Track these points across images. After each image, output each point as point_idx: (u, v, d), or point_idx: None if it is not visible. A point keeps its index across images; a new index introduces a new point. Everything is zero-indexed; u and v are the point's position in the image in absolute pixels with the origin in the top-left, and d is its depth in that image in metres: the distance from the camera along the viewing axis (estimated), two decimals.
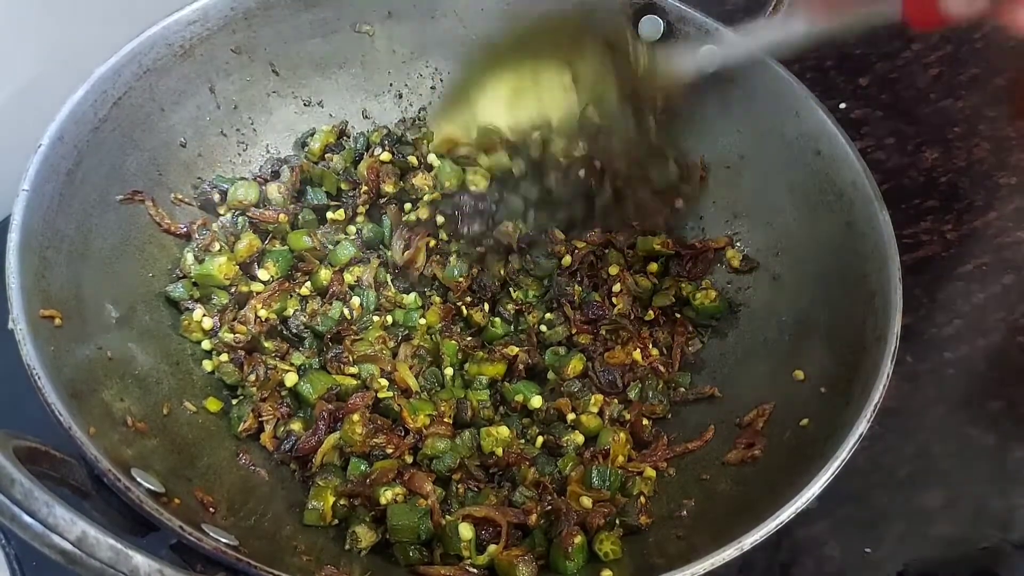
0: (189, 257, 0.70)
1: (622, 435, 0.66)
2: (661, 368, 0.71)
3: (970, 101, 0.97)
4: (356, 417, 0.63)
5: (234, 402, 0.66)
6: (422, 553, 0.59)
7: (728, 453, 0.64)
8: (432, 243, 0.75)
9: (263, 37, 0.74)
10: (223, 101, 0.74)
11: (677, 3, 0.74)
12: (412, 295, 0.75)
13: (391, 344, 0.70)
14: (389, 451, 0.63)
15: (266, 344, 0.68)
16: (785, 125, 0.71)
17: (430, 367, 0.70)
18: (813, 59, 0.99)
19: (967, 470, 0.74)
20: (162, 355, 0.65)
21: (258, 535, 0.56)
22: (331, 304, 0.71)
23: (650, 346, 0.73)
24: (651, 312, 0.74)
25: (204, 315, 0.68)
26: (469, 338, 0.73)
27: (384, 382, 0.67)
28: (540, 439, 0.67)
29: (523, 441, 0.67)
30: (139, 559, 0.40)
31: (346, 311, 0.71)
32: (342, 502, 0.60)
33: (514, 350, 0.70)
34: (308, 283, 0.72)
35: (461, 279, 0.74)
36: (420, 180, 0.77)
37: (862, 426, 0.56)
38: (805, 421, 0.62)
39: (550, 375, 0.70)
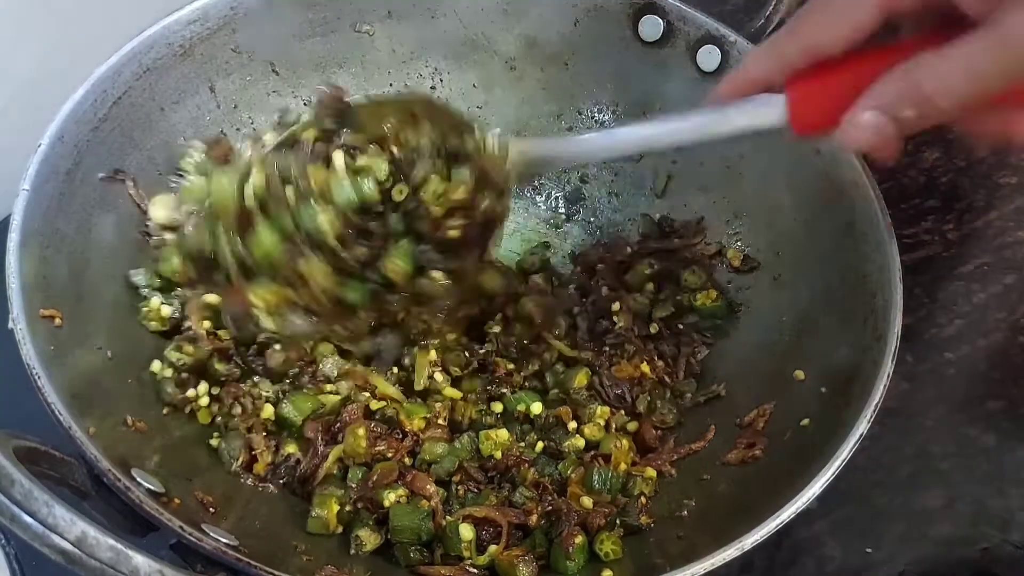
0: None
1: (624, 442, 0.66)
2: (667, 379, 0.71)
3: None
4: (361, 431, 0.62)
5: (216, 441, 0.63)
6: (423, 554, 0.59)
7: (728, 453, 0.64)
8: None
9: (263, 37, 0.74)
10: (223, 100, 0.74)
11: (677, 3, 0.74)
12: None
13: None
14: (389, 455, 0.63)
15: (217, 367, 0.64)
16: None
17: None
18: None
19: (967, 470, 0.74)
20: (160, 354, 0.65)
21: (258, 535, 0.56)
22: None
23: (655, 358, 0.72)
24: (654, 325, 0.74)
25: (162, 303, 0.65)
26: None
27: (366, 394, 0.66)
28: (540, 444, 0.66)
29: (522, 445, 0.67)
30: (139, 559, 0.40)
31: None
32: (347, 508, 0.60)
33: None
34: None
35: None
36: None
37: (862, 426, 0.56)
38: (805, 421, 0.62)
39: (552, 392, 0.69)
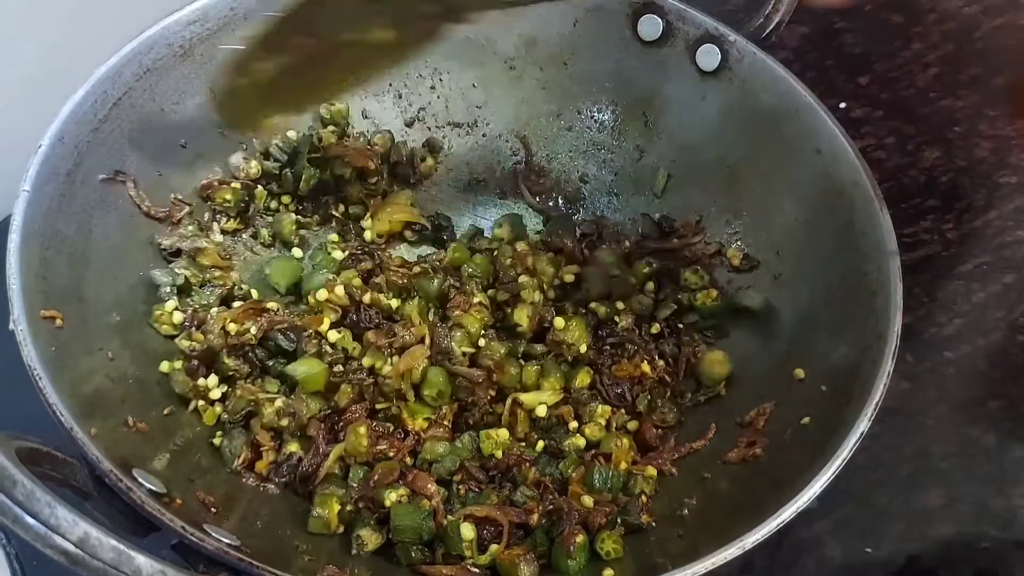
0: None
1: (625, 441, 0.66)
2: (668, 378, 0.71)
3: (970, 101, 0.97)
4: (363, 430, 0.63)
5: (219, 439, 0.63)
6: (424, 553, 0.59)
7: (729, 452, 0.64)
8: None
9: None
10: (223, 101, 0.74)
11: (677, 3, 0.74)
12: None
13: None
14: (390, 454, 0.63)
15: (226, 360, 0.65)
16: (785, 124, 0.71)
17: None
18: (813, 58, 0.99)
19: (967, 470, 0.74)
20: (163, 355, 0.65)
21: (260, 535, 0.56)
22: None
23: (656, 358, 0.72)
24: (656, 326, 0.74)
25: (176, 308, 0.67)
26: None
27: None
28: (540, 443, 0.66)
29: (523, 444, 0.67)
30: (141, 560, 0.40)
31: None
32: (348, 507, 0.60)
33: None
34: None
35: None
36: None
37: (863, 425, 0.56)
38: (806, 420, 0.62)
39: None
